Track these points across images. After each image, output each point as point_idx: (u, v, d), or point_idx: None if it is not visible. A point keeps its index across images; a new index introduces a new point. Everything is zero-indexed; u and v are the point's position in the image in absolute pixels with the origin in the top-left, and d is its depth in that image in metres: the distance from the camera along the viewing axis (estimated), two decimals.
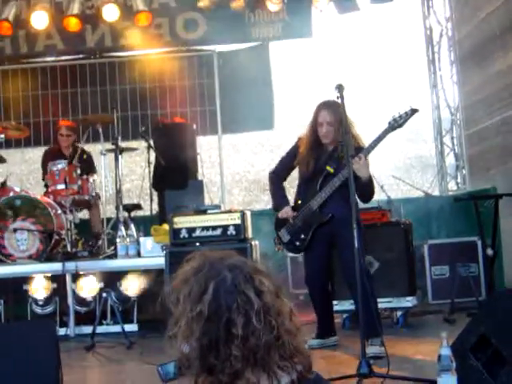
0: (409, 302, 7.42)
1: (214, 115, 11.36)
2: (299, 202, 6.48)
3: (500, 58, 9.40)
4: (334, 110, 6.15)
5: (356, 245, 4.99)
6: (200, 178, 10.17)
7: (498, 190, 9.28)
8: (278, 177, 6.69)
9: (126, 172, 9.92)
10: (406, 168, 14.40)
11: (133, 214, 9.52)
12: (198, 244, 7.54)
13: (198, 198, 9.56)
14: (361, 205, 6.66)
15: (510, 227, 9.15)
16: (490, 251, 8.01)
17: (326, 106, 6.28)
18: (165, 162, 9.40)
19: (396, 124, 5.96)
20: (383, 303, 7.27)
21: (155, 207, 9.75)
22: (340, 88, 5.47)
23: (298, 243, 6.47)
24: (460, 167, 11.40)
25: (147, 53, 11.65)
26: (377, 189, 9.07)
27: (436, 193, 11.41)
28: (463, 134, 11.10)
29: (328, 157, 6.36)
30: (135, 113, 11.27)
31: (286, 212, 6.48)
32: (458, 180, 11.51)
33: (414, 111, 5.97)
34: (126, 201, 9.57)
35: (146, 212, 9.87)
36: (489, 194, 9.16)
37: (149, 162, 9.36)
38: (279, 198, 6.65)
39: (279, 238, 6.59)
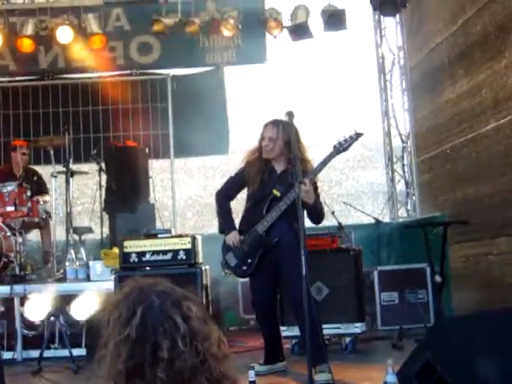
0: (357, 328, 7.45)
1: (167, 139, 11.36)
2: (246, 225, 6.49)
3: (449, 87, 9.56)
4: (279, 127, 6.22)
5: (304, 272, 5.00)
6: (152, 201, 10.14)
7: (447, 217, 9.39)
8: (224, 197, 6.64)
9: (77, 195, 9.84)
10: (357, 194, 14.49)
11: (83, 237, 9.46)
12: (147, 268, 7.54)
13: (150, 221, 9.56)
14: (310, 231, 6.72)
15: (458, 254, 9.28)
16: (438, 278, 8.07)
17: (272, 122, 6.32)
18: (116, 186, 9.34)
19: (341, 148, 6.03)
20: (332, 329, 7.32)
21: (106, 231, 9.67)
22: (290, 115, 5.52)
23: (244, 267, 6.46)
24: (410, 194, 11.51)
25: (101, 75, 11.64)
26: (328, 215, 9.18)
27: (386, 219, 11.48)
28: (414, 162, 11.23)
29: (276, 180, 6.34)
30: (87, 135, 11.22)
31: (232, 237, 6.45)
32: (408, 207, 11.62)
33: (358, 135, 6.04)
34: (76, 224, 9.49)
35: (96, 235, 9.78)
36: (437, 222, 9.27)
37: (100, 185, 9.30)
38: (226, 221, 6.61)
39: (226, 261, 6.56)
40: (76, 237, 9.24)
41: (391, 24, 11.76)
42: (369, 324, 8.06)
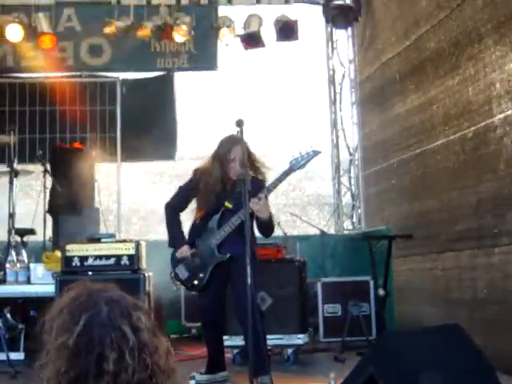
0: (300, 339, 7.42)
1: (114, 142, 11.23)
2: (195, 237, 6.39)
3: (399, 101, 9.57)
4: (243, 145, 6.12)
5: (249, 281, 4.95)
6: (97, 205, 10.00)
7: (392, 231, 9.40)
8: (174, 209, 6.51)
9: (20, 196, 9.62)
10: (303, 205, 14.50)
11: (25, 238, 9.27)
12: (90, 273, 7.42)
13: (94, 225, 9.43)
14: (258, 240, 6.67)
15: (403, 268, 9.30)
16: (381, 291, 8.13)
17: (238, 141, 6.06)
18: (61, 188, 9.19)
19: (297, 165, 5.98)
20: (274, 340, 7.27)
21: (50, 233, 9.50)
22: (240, 123, 5.46)
23: (196, 282, 6.35)
24: (356, 207, 11.54)
25: (49, 76, 11.45)
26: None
27: (332, 231, 11.50)
28: (361, 175, 11.26)
29: (228, 192, 6.26)
30: (33, 136, 11.03)
31: (183, 251, 6.35)
32: (354, 219, 11.64)
33: (315, 153, 6.00)
34: (18, 225, 9.26)
35: (39, 238, 9.58)
36: (382, 235, 9.31)
37: (44, 187, 9.13)
38: (176, 234, 6.48)
39: (176, 274, 6.44)
40: (18, 238, 9.04)
41: (343, 37, 11.78)
42: (311, 335, 8.04)
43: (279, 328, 7.31)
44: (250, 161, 6.16)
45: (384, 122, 10.18)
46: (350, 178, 11.76)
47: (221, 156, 6.23)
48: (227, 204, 6.16)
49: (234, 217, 6.07)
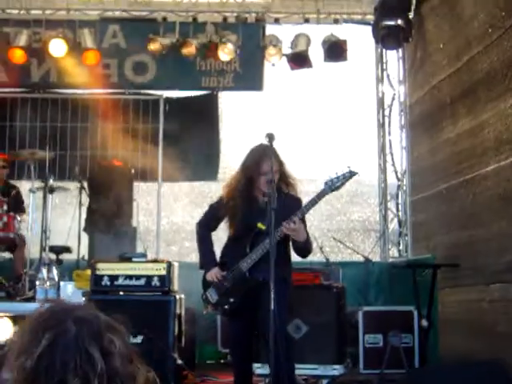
0: (336, 370, 7.09)
1: (156, 161, 11.00)
2: (227, 259, 6.07)
3: (449, 125, 9.27)
4: (276, 156, 5.81)
5: (272, 307, 4.62)
6: (134, 224, 9.78)
7: (438, 259, 9.06)
8: (205, 228, 6.17)
9: (58, 213, 9.47)
10: (348, 231, 14.14)
11: (61, 256, 9.10)
12: (121, 293, 7.20)
13: (130, 245, 9.22)
14: (293, 265, 6.32)
15: (449, 299, 8.93)
16: (424, 322, 7.78)
17: (270, 152, 5.66)
18: (98, 205, 9.05)
19: (333, 186, 5.64)
20: (309, 370, 6.95)
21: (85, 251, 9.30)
22: (270, 137, 5.16)
23: (226, 306, 5.96)
24: (403, 234, 11.20)
25: (93, 92, 11.32)
26: (316, 250, 8.84)
27: (377, 258, 11.16)
28: (408, 201, 10.94)
29: (260, 211, 5.81)
30: (74, 152, 10.86)
31: (214, 274, 5.96)
32: (400, 247, 11.30)
33: (352, 173, 5.64)
34: (53, 242, 9.09)
35: (75, 256, 9.40)
36: (426, 263, 8.95)
37: (80, 204, 8.96)
38: (207, 255, 6.12)
39: (207, 297, 6.07)
40: (52, 256, 8.87)
41: (393, 58, 11.50)
42: (349, 366, 7.68)
43: (315, 357, 6.99)
44: (284, 175, 5.85)
45: (433, 147, 9.86)
46: (397, 203, 11.41)
47: (250, 169, 5.85)
48: (260, 225, 5.78)
49: (267, 239, 5.69)
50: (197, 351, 9.04)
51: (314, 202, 5.66)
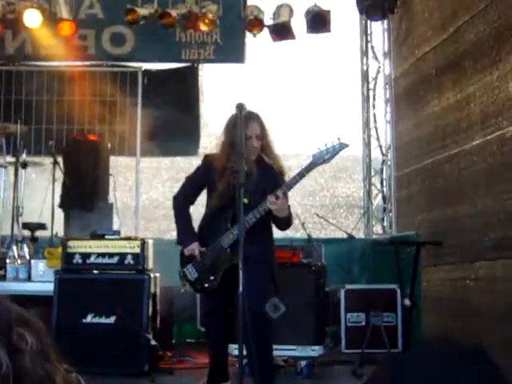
0: (314, 351, 6.81)
1: (134, 136, 10.68)
2: (206, 234, 5.78)
3: (434, 99, 9.07)
4: (260, 121, 5.54)
5: (240, 288, 4.37)
6: (111, 200, 9.51)
7: (423, 236, 8.85)
8: (183, 202, 5.84)
9: (33, 188, 9.20)
10: (331, 207, 13.90)
11: (37, 233, 8.82)
12: (94, 271, 6.97)
13: (107, 222, 8.94)
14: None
15: (434, 277, 8.77)
16: (407, 301, 7.56)
17: (253, 117, 5.49)
18: (73, 181, 8.77)
19: (322, 159, 5.33)
20: (287, 351, 6.73)
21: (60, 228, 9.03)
22: (240, 107, 4.89)
23: (206, 284, 5.66)
24: (387, 210, 10.97)
25: (69, 64, 11.01)
26: (298, 226, 8.61)
27: (360, 235, 10.99)
28: (393, 176, 10.71)
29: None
30: (50, 127, 10.56)
31: (192, 249, 5.65)
32: (385, 223, 11.08)
33: (342, 146, 5.32)
34: (27, 219, 8.81)
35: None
36: (410, 241, 8.73)
37: (54, 179, 8.67)
38: (185, 230, 5.80)
39: (184, 274, 5.76)
40: (27, 233, 8.60)
41: (378, 30, 11.21)
42: (329, 346, 7.47)
43: (293, 338, 6.74)
44: (268, 145, 5.60)
45: (418, 121, 9.66)
46: (381, 179, 11.19)
47: (232, 136, 5.44)
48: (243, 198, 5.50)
49: (249, 214, 5.35)
50: (175, 330, 8.89)
51: (301, 175, 5.36)
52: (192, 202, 5.91)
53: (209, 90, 11.64)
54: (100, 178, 9.30)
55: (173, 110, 10.60)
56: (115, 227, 8.92)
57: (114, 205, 9.46)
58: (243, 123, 5.02)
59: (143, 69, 10.98)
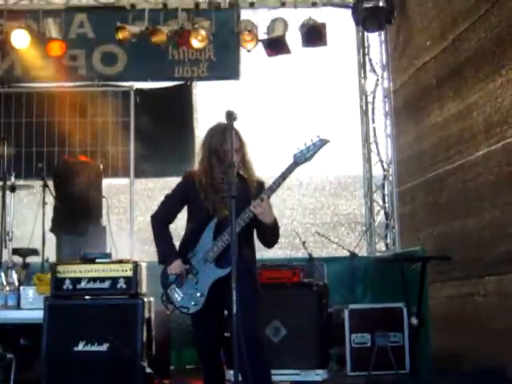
0: (319, 375, 6.55)
1: (127, 156, 10.43)
2: (189, 251, 5.46)
3: (436, 110, 8.84)
4: (238, 134, 5.27)
5: (234, 310, 4.05)
6: (104, 223, 9.21)
7: (428, 252, 8.55)
8: (162, 221, 5.54)
9: (25, 213, 8.94)
10: (332, 225, 13.60)
11: (28, 259, 8.53)
12: (86, 297, 6.66)
13: (100, 246, 8.64)
14: (270, 261, 5.76)
15: (441, 294, 8.49)
16: (414, 320, 7.27)
17: (230, 129, 5.07)
18: (64, 204, 8.49)
19: (303, 158, 5.06)
20: (289, 376, 6.42)
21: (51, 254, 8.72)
22: (230, 115, 4.61)
23: (193, 303, 5.37)
24: (390, 226, 10.71)
25: (59, 85, 10.74)
26: (299, 246, 8.31)
27: (363, 253, 10.66)
28: (395, 191, 10.45)
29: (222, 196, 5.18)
30: (41, 149, 10.32)
31: (176, 267, 5.32)
32: (388, 240, 10.81)
33: (323, 142, 5.06)
34: (18, 244, 8.52)
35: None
36: (415, 257, 8.41)
37: (44, 203, 8.39)
38: (166, 248, 5.45)
39: (168, 296, 5.41)
40: (17, 259, 8.31)
41: (375, 42, 10.99)
42: (334, 370, 7.15)
43: (296, 362, 6.46)
44: (244, 158, 5.34)
45: (420, 133, 9.42)
46: (383, 195, 10.93)
47: (216, 148, 5.28)
48: (224, 210, 5.21)
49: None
50: (174, 356, 8.58)
51: (283, 176, 5.08)
52: (171, 221, 5.58)
53: (203, 107, 11.37)
54: (92, 201, 8.99)
55: (166, 130, 10.40)
56: (109, 251, 8.62)
57: (108, 228, 9.15)
58: (225, 135, 4.80)
59: (135, 88, 10.73)
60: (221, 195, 5.14)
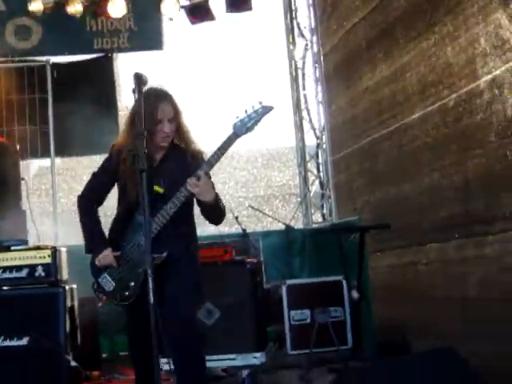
0: (256, 358, 6.18)
1: (47, 135, 9.92)
2: (119, 235, 4.99)
3: (367, 73, 8.56)
4: (172, 102, 4.80)
5: (151, 300, 3.62)
6: (24, 207, 8.66)
7: (366, 221, 8.31)
8: (89, 202, 5.02)
9: None
10: (266, 197, 13.27)
11: None
12: (2, 288, 6.14)
13: (20, 232, 8.09)
14: (201, 240, 5.30)
15: (381, 264, 8.23)
16: (355, 294, 6.95)
17: (164, 97, 4.76)
18: None
19: (244, 128, 4.56)
20: (226, 361, 6.07)
21: None
22: (138, 78, 4.14)
23: (127, 293, 4.85)
24: (326, 196, 10.42)
25: None
26: (232, 221, 7.95)
27: (299, 225, 10.44)
28: (329, 160, 10.14)
29: (156, 172, 4.79)
30: None
31: (105, 258, 4.86)
32: (324, 211, 10.52)
33: (266, 109, 4.58)
34: None
35: None
36: (353, 226, 8.14)
37: None
38: (94, 235, 4.98)
39: (99, 285, 4.95)
40: None
41: (303, 5, 10.62)
42: (272, 350, 6.80)
43: (231, 345, 6.09)
44: (181, 126, 4.88)
45: (352, 98, 9.13)
46: (317, 164, 10.63)
47: (141, 119, 4.57)
48: (157, 188, 4.73)
49: (168, 204, 4.65)
50: (106, 344, 8.21)
51: (222, 149, 4.58)
52: (101, 202, 5.08)
53: (127, 80, 10.90)
54: (9, 183, 8.42)
55: (88, 105, 9.76)
56: (30, 237, 8.12)
57: (29, 212, 8.61)
58: (148, 100, 4.38)
59: (51, 62, 10.20)
60: (157, 168, 4.72)
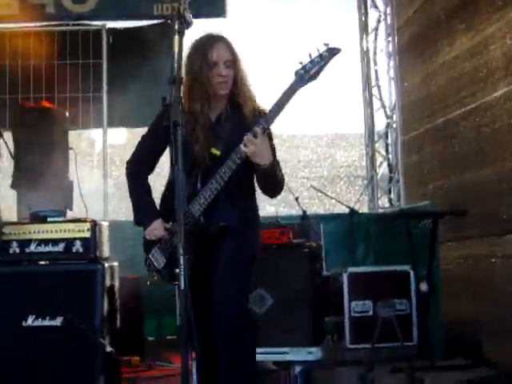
0: (312, 354, 5.69)
1: (100, 104, 9.58)
2: (171, 205, 4.43)
3: (445, 46, 8.03)
4: (230, 45, 4.29)
5: (182, 285, 3.06)
6: (71, 177, 8.27)
7: (438, 207, 7.78)
8: (138, 168, 4.58)
9: None
10: (330, 178, 12.91)
11: None
12: (40, 262, 5.74)
13: (66, 203, 7.71)
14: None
15: (453, 255, 7.71)
16: (424, 286, 6.50)
17: (220, 38, 4.29)
18: (24, 157, 7.61)
19: (307, 76, 4.02)
20: (277, 355, 5.58)
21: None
22: (180, 17, 3.59)
23: (177, 270, 4.36)
24: (394, 180, 10.03)
25: (24, 25, 9.80)
26: (292, 202, 7.49)
27: (364, 209, 10.14)
28: (399, 140, 9.73)
29: (214, 131, 4.28)
30: (3, 96, 9.42)
31: (154, 230, 4.37)
32: (392, 195, 10.16)
33: (332, 51, 4.05)
34: None
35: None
36: (424, 212, 7.66)
37: None
38: (143, 205, 4.48)
39: (151, 262, 4.44)
40: None
41: None
42: (330, 344, 6.29)
43: (284, 338, 5.63)
44: (238, 77, 4.32)
45: (427, 75, 8.64)
46: (386, 144, 10.28)
47: (200, 67, 4.26)
48: (213, 150, 4.21)
49: (222, 168, 4.11)
50: (154, 326, 7.90)
51: (282, 101, 4.01)
52: (152, 168, 4.58)
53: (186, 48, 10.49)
54: (57, 153, 8.03)
55: (144, 74, 9.43)
56: (75, 208, 7.74)
57: (77, 183, 8.23)
58: (200, 43, 4.18)
59: (107, 27, 9.84)
60: (215, 127, 4.20)
